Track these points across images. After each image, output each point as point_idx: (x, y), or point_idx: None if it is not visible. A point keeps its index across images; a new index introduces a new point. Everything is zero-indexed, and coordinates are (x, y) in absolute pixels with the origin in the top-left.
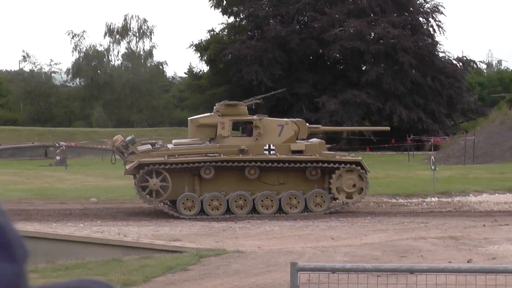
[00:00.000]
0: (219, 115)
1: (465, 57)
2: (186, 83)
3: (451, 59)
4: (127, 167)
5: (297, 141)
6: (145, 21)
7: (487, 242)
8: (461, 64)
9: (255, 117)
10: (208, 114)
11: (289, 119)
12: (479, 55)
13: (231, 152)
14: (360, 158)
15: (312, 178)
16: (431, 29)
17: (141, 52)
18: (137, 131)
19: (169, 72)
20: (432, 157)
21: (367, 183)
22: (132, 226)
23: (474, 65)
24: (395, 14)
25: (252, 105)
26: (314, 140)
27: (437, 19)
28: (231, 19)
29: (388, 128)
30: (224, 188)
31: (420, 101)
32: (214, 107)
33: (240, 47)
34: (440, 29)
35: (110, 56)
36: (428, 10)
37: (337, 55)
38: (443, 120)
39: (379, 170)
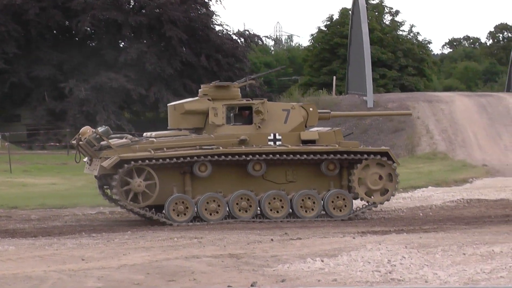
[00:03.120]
0: (209, 99)
1: (248, 31)
2: None
3: (231, 33)
4: (105, 164)
5: (305, 128)
6: None
7: (276, 261)
8: (242, 39)
9: (255, 100)
10: (194, 98)
11: (295, 103)
12: (265, 29)
13: (229, 143)
14: (388, 148)
15: (329, 173)
16: None
17: None
18: None
19: None
20: None
21: (397, 177)
22: None
23: (259, 41)
24: None
25: (246, 87)
26: (324, 128)
27: None
28: None
29: (411, 112)
30: (221, 188)
31: (192, 85)
32: (200, 90)
33: None
34: None
35: None
36: None
37: (88, 29)
38: None
39: None
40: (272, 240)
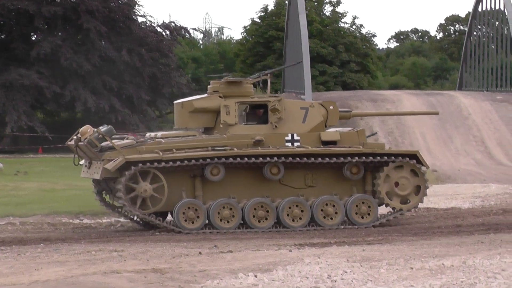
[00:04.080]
0: (220, 97)
1: (174, 23)
2: None
3: (155, 25)
4: (109, 167)
5: (325, 128)
6: None
7: (204, 276)
8: (168, 32)
9: (271, 97)
10: (203, 95)
11: (314, 101)
12: (192, 21)
13: (244, 144)
14: (416, 150)
15: (352, 177)
16: None
17: None
18: None
19: None
20: None
21: (426, 181)
22: None
23: (186, 34)
24: None
25: (259, 83)
26: (345, 128)
27: None
28: None
29: (438, 111)
30: (234, 193)
31: (112, 83)
32: (209, 86)
33: None
34: None
35: None
36: None
37: None
38: (144, 109)
39: (57, 180)
40: (200, 253)
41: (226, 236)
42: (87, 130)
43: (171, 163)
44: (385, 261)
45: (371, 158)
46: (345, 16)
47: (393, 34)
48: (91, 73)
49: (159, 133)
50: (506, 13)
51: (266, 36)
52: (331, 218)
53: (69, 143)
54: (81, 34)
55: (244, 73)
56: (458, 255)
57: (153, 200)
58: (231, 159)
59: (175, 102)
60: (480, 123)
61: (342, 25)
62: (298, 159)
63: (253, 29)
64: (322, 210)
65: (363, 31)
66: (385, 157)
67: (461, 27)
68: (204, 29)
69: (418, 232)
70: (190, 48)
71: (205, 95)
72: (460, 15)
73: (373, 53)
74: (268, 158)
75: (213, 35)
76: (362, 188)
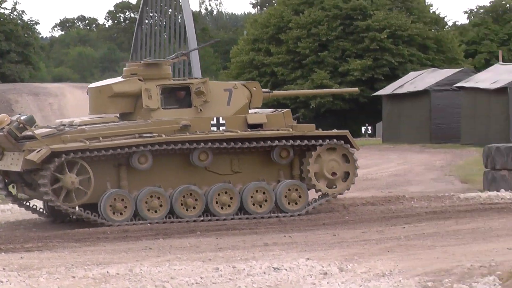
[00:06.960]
0: (140, 80)
1: None
2: None
3: None
4: (33, 158)
5: (250, 111)
6: None
7: None
8: None
9: (193, 79)
10: (121, 79)
11: (237, 82)
12: None
13: (170, 130)
14: (346, 131)
15: (281, 161)
16: None
17: None
18: None
19: None
20: None
21: (356, 164)
22: None
23: None
24: None
25: (178, 63)
26: (267, 110)
27: None
28: None
29: (357, 89)
30: (160, 182)
31: None
32: (125, 68)
33: None
34: None
35: None
36: None
37: None
38: None
39: None
40: None
41: None
42: (4, 119)
43: (99, 152)
44: (44, 269)
45: (304, 141)
46: (5, 1)
47: (58, 21)
48: None
49: (76, 120)
50: (180, 0)
51: None
52: (262, 205)
53: None
54: None
55: None
56: (124, 262)
57: (79, 192)
58: (161, 146)
59: (89, 86)
60: None
61: (2, 11)
62: (228, 144)
63: None
64: (251, 197)
65: (25, 18)
66: (317, 140)
67: (132, 15)
68: None
69: (81, 238)
70: None
71: (121, 79)
72: (131, 2)
73: (35, 42)
74: (200, 144)
75: None
76: (289, 172)
